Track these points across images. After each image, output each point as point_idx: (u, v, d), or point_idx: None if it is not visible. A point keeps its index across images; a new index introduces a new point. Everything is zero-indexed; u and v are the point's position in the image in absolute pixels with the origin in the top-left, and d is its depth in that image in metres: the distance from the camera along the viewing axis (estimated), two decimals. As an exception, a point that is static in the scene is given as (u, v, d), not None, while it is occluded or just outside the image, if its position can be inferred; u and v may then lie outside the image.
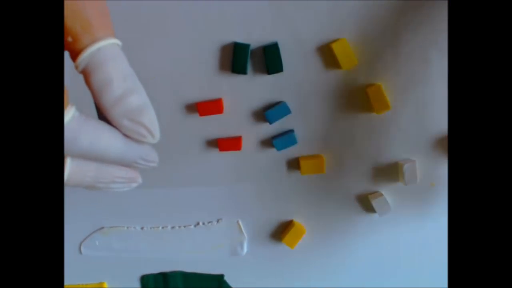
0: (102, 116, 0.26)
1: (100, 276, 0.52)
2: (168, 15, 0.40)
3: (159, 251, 0.50)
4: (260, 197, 0.47)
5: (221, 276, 0.51)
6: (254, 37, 0.40)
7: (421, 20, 0.39)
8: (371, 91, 0.41)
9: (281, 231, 0.48)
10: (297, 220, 0.47)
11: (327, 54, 0.40)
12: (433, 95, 0.41)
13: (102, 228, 0.49)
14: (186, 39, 0.40)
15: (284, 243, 0.47)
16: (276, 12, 0.39)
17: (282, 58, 0.40)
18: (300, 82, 0.41)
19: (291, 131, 0.43)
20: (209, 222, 0.48)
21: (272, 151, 0.44)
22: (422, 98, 0.41)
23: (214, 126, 0.44)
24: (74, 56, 0.25)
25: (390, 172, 0.44)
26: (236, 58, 0.40)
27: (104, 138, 0.25)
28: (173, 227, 0.49)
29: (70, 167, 0.25)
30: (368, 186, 0.45)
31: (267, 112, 0.42)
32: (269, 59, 0.40)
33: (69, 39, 0.24)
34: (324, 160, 0.44)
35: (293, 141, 0.43)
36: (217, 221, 0.48)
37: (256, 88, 0.42)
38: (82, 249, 0.50)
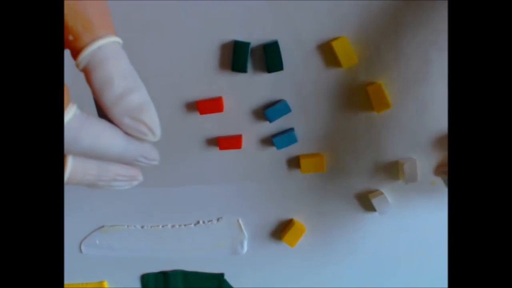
0: (102, 114, 0.26)
1: (101, 275, 0.52)
2: (168, 14, 0.40)
3: (160, 250, 0.50)
4: (261, 195, 0.47)
5: (222, 275, 0.51)
6: (254, 35, 0.40)
7: (421, 20, 0.39)
8: (372, 90, 0.41)
9: (281, 230, 0.48)
10: (297, 219, 0.47)
11: (327, 53, 0.40)
12: (433, 94, 0.41)
13: (103, 227, 0.49)
14: (187, 38, 0.40)
15: (284, 242, 0.47)
16: (276, 10, 0.39)
17: (282, 56, 0.40)
18: (300, 81, 0.41)
19: (291, 129, 0.43)
20: (209, 221, 0.48)
21: (272, 149, 0.44)
22: (422, 96, 0.41)
23: (214, 124, 0.44)
24: (75, 55, 0.25)
25: (390, 170, 0.44)
26: (236, 56, 0.40)
27: (105, 136, 0.25)
28: (173, 226, 0.49)
29: (71, 166, 0.25)
30: (368, 184, 0.45)
31: (267, 111, 0.42)
32: (269, 57, 0.40)
33: (70, 37, 0.25)
34: (325, 158, 0.44)
35: (293, 140, 0.43)
36: (217, 220, 0.48)
37: (256, 86, 0.42)
38: (82, 248, 0.50)
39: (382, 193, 0.45)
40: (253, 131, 0.44)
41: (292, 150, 0.44)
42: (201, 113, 0.42)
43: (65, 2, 0.24)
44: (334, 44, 0.39)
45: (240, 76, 0.41)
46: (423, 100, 0.41)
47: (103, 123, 0.25)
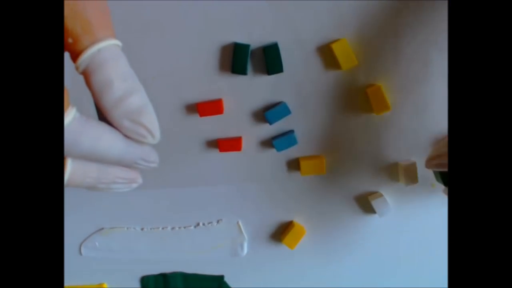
0: (102, 117, 0.26)
1: (100, 277, 0.52)
2: (168, 16, 0.40)
3: (159, 252, 0.50)
4: (260, 197, 0.47)
5: (221, 277, 0.51)
6: (254, 37, 0.40)
7: (421, 20, 0.39)
8: (371, 92, 0.41)
9: (281, 232, 0.48)
10: (297, 220, 0.47)
11: (327, 55, 0.40)
12: (433, 96, 0.41)
13: (102, 229, 0.49)
14: (186, 40, 0.40)
15: (284, 243, 0.47)
16: (276, 12, 0.39)
17: (282, 58, 0.40)
18: (300, 83, 0.41)
19: (291, 131, 0.43)
20: (209, 223, 0.48)
21: (272, 151, 0.44)
22: (422, 98, 0.41)
23: (214, 126, 0.44)
24: (74, 57, 0.25)
25: (390, 172, 0.44)
26: (236, 58, 0.40)
27: (104, 139, 0.25)
28: (173, 228, 0.49)
29: (71, 168, 0.25)
30: (368, 186, 0.45)
31: (267, 113, 0.42)
32: (269, 59, 0.40)
33: (70, 40, 0.25)
34: (324, 160, 0.44)
35: (293, 142, 0.43)
36: (217, 221, 0.48)
37: (256, 88, 0.42)
38: (82, 250, 0.50)
39: (382, 195, 0.45)
40: (253, 133, 0.44)
41: (292, 152, 0.44)
42: (201, 115, 0.42)
43: (65, 3, 0.24)
44: (334, 47, 0.39)
45: (240, 78, 0.41)
46: (423, 102, 0.41)
47: (103, 126, 0.25)
